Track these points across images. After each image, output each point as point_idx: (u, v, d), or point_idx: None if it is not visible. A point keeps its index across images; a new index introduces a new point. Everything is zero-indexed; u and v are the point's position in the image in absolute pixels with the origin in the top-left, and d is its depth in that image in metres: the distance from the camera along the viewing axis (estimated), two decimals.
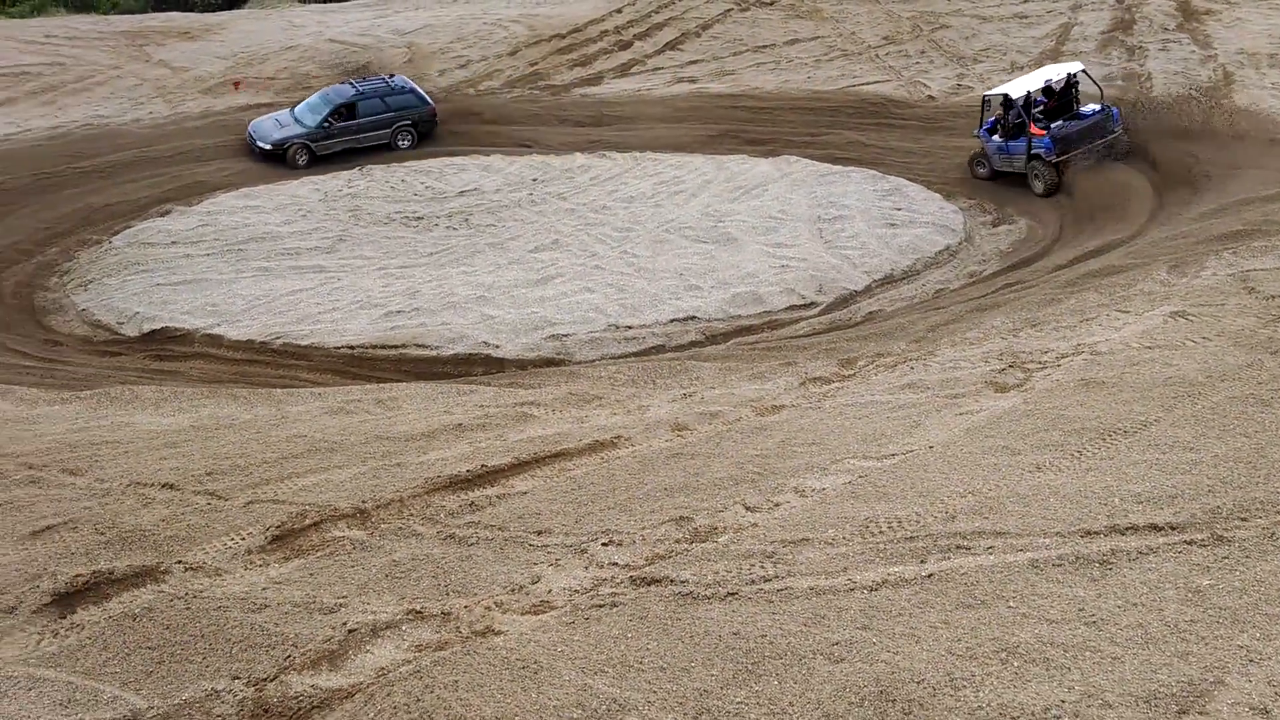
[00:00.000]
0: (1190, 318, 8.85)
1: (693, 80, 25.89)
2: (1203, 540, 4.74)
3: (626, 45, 28.17)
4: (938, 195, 18.57)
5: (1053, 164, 17.47)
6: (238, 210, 19.16)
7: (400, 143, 22.10)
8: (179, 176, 20.81)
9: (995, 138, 18.15)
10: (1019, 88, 17.92)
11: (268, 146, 21.16)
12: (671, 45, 28.11)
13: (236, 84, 22.68)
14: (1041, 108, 18.14)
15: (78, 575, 4.90)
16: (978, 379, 8.21)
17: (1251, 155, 16.62)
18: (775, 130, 22.57)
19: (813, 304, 14.54)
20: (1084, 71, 18.36)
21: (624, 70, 26.74)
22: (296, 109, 22.32)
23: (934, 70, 24.47)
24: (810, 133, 22.39)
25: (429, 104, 22.49)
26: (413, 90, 22.53)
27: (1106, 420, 6.47)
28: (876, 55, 26.29)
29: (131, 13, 33.74)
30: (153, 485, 6.46)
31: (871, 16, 27.98)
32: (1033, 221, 17.28)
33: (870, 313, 14.14)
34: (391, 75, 23.42)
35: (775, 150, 21.42)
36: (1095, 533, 4.86)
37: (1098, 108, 18.07)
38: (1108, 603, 4.13)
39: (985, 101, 18.35)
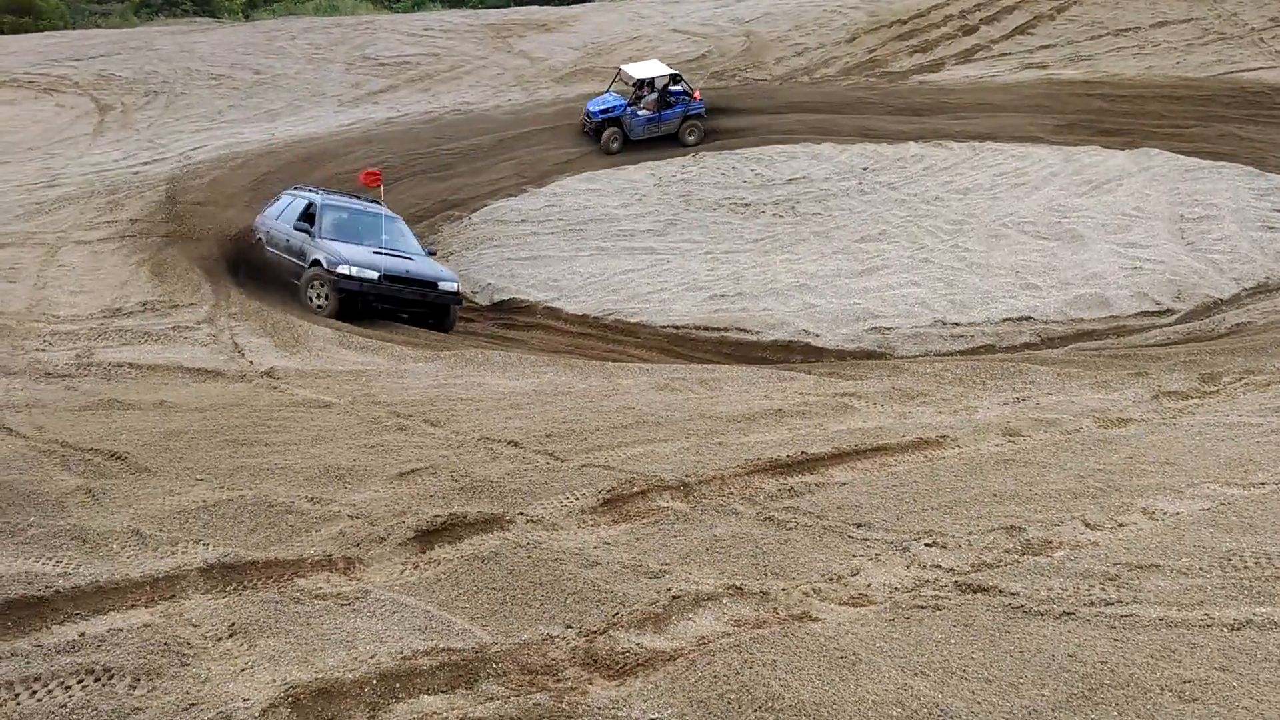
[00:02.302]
0: None
1: (1043, 66, 24.38)
2: None
3: (972, 30, 26.99)
4: None
5: (703, 116, 23.48)
6: (580, 193, 20.35)
7: None
8: (531, 159, 22.39)
9: (641, 112, 23.14)
10: (665, 70, 23.77)
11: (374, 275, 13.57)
12: (1021, 29, 26.62)
13: (373, 176, 16.11)
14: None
15: (436, 515, 5.42)
16: None
17: None
18: (1134, 121, 20.81)
19: (1168, 311, 13.30)
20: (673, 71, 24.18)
21: (967, 56, 25.66)
22: (334, 230, 14.40)
23: None
24: (1175, 124, 20.45)
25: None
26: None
27: None
28: (1261, 38, 23.51)
29: (498, 7, 36.59)
30: (500, 441, 7.02)
31: None
32: None
33: (1238, 324, 12.71)
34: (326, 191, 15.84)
35: (1134, 142, 19.76)
36: None
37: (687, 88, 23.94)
38: None
39: (643, 83, 23.43)
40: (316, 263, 13.78)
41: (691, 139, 23.22)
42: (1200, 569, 4.64)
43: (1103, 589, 4.47)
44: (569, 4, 35.50)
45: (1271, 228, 15.45)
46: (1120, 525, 5.28)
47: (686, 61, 27.66)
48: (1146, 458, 6.43)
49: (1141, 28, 25.53)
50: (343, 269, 13.56)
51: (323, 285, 13.49)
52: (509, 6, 36.64)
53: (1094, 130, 20.66)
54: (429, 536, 5.20)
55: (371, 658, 3.91)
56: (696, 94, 23.52)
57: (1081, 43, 25.42)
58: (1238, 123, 20.18)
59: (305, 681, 3.71)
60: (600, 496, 5.83)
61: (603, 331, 14.56)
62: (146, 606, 4.35)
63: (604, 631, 4.16)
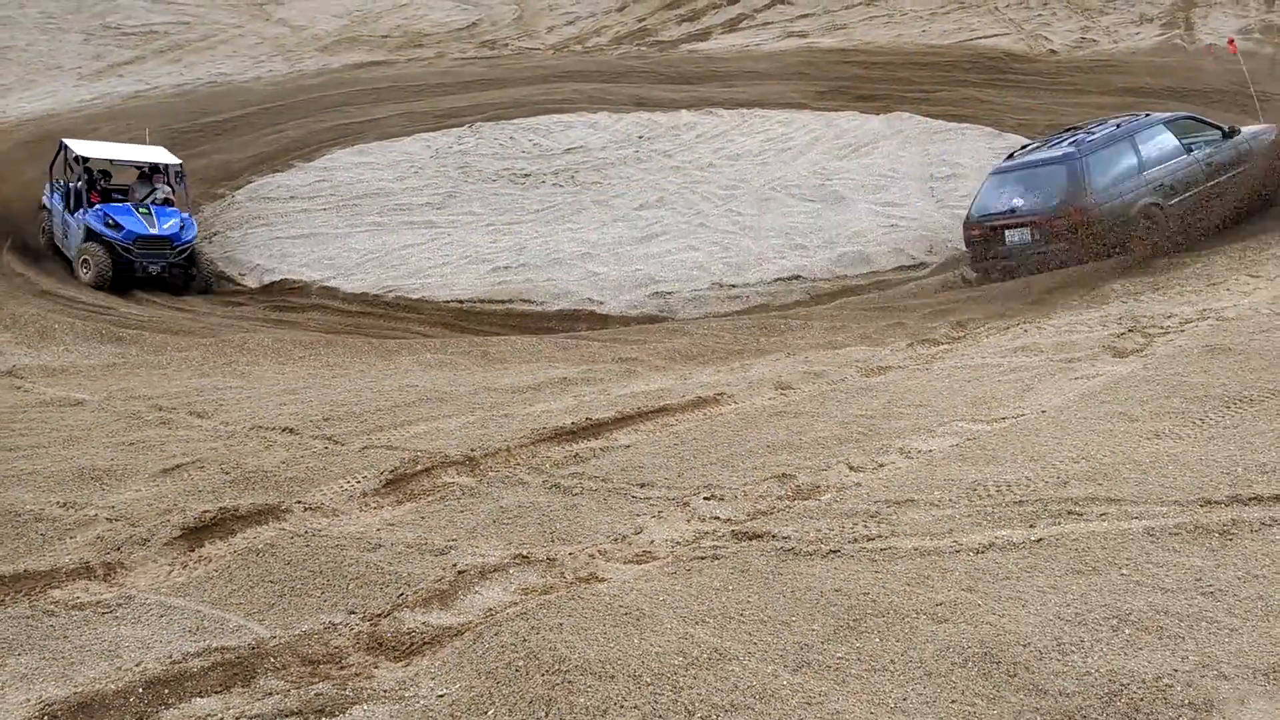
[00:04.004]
0: None
1: (802, 35, 25.43)
2: None
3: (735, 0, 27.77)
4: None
5: None
6: (352, 166, 19.66)
7: None
8: (298, 133, 21.40)
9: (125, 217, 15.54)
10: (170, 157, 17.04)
11: None
12: None
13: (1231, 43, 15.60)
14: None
15: (205, 511, 5.15)
16: (1095, 343, 7.95)
17: None
18: (887, 86, 22.05)
19: (922, 264, 14.25)
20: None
21: (732, 25, 26.41)
22: None
23: (1057, 23, 23.54)
24: (923, 89, 21.81)
25: None
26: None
27: (1232, 388, 6.21)
28: (996, 7, 25.39)
29: None
30: (274, 429, 6.74)
31: None
32: None
33: None
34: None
35: (887, 107, 20.93)
36: (1216, 502, 4.68)
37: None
38: (1227, 573, 3.99)
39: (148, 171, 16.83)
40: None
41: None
42: (949, 500, 5.03)
43: (865, 526, 4.77)
44: None
45: None
46: (880, 465, 5.65)
47: (456, 30, 27.11)
48: (903, 401, 6.90)
49: None
50: None
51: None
52: None
53: (851, 96, 21.75)
54: (198, 534, 4.95)
55: (137, 665, 3.69)
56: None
57: (837, 11, 26.69)
58: (978, 86, 21.75)
59: (62, 698, 3.48)
60: (383, 478, 5.71)
61: (384, 309, 14.20)
62: None
63: (388, 614, 4.10)
